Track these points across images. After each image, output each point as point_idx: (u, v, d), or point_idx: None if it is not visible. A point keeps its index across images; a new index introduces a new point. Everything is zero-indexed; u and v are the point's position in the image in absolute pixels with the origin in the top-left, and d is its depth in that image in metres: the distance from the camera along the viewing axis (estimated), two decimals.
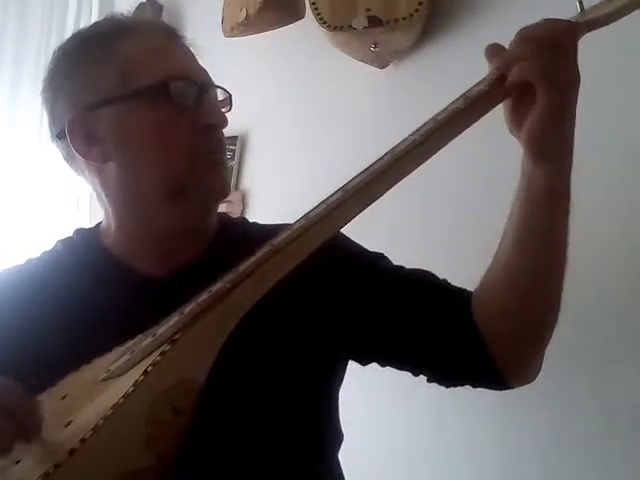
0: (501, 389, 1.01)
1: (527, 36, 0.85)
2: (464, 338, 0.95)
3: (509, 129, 0.90)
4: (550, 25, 0.86)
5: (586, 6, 0.90)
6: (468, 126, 0.87)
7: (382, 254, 1.06)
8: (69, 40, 1.01)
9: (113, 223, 0.99)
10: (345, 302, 0.99)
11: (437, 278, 1.03)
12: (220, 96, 1.01)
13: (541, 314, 0.94)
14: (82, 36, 1.00)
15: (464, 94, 0.87)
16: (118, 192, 0.96)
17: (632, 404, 1.23)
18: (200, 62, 1.00)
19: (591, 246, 1.28)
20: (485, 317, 0.95)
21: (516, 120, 0.88)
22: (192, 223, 0.97)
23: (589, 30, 0.89)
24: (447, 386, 1.02)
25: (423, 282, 1.01)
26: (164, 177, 0.93)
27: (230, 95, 1.02)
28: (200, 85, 0.95)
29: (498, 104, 0.88)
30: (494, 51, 0.89)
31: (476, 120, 0.87)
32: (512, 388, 1.01)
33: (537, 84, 0.83)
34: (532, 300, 0.93)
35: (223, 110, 1.00)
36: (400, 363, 1.02)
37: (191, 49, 1.00)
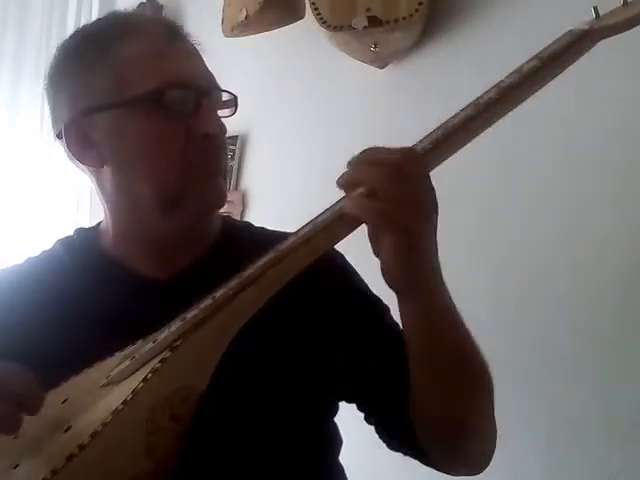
0: (444, 472, 0.99)
1: (368, 161, 0.76)
2: (404, 422, 0.93)
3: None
4: (392, 152, 0.76)
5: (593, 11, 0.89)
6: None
7: (385, 306, 1.02)
8: (71, 37, 1.00)
9: (111, 224, 0.98)
10: (332, 330, 0.97)
11: None
12: (225, 97, 0.99)
13: (456, 421, 0.90)
14: (83, 35, 0.99)
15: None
16: (114, 196, 0.96)
17: (632, 405, 1.23)
18: (205, 61, 0.98)
19: (591, 247, 1.28)
20: (413, 415, 0.93)
21: (375, 249, 0.80)
22: (188, 231, 0.96)
23: (604, 37, 0.87)
24: (388, 447, 1.00)
25: (399, 349, 0.93)
26: (156, 187, 0.92)
27: (235, 97, 1.00)
28: (199, 91, 0.93)
29: (346, 235, 0.80)
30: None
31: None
32: (453, 475, 1.00)
33: (377, 226, 0.76)
34: (441, 409, 0.89)
35: (227, 112, 0.98)
36: (357, 407, 1.01)
37: (196, 47, 0.97)
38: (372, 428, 1.00)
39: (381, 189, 0.73)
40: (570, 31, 0.87)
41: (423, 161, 0.76)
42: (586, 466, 1.28)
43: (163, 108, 0.90)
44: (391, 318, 1.00)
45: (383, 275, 0.79)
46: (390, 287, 0.81)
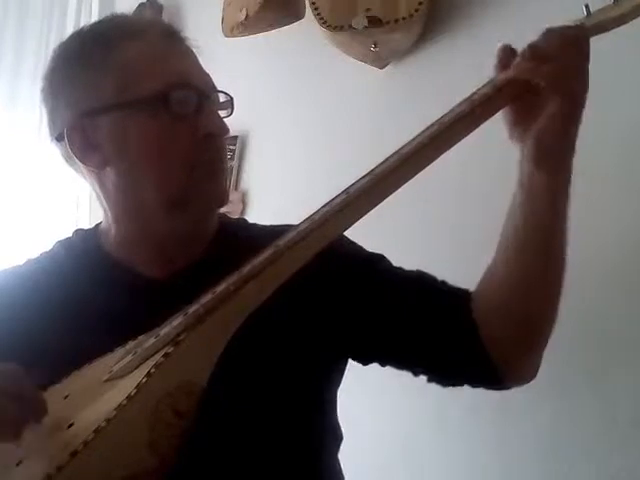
0: (498, 388, 1.01)
1: (552, 33, 0.87)
2: (461, 336, 0.96)
3: (509, 134, 0.90)
4: (571, 29, 0.88)
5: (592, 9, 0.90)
6: (473, 130, 0.87)
7: (381, 255, 1.06)
8: (69, 40, 1.00)
9: (112, 225, 0.99)
10: (345, 302, 0.99)
11: (435, 278, 1.03)
12: (222, 98, 1.00)
13: (540, 315, 0.95)
14: (82, 38, 0.99)
15: (469, 97, 0.88)
16: (117, 197, 0.96)
17: (633, 404, 1.23)
18: (202, 63, 0.99)
19: (593, 244, 1.28)
20: (485, 315, 0.96)
21: (520, 125, 0.88)
22: (190, 230, 0.97)
23: (595, 34, 0.89)
24: (445, 385, 1.03)
25: (421, 282, 1.01)
26: (162, 188, 0.93)
27: (232, 98, 1.01)
28: (200, 92, 0.94)
29: (503, 107, 0.88)
30: (506, 53, 0.89)
31: (481, 123, 0.87)
32: (509, 388, 1.01)
33: (554, 88, 0.84)
34: (531, 299, 0.94)
35: (224, 113, 0.99)
36: (399, 362, 1.02)
37: (193, 50, 0.99)
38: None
39: (562, 58, 0.84)
40: None
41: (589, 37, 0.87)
42: (586, 466, 1.28)
43: (167, 109, 0.91)
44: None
45: (538, 142, 0.86)
46: (537, 154, 0.87)
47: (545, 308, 0.95)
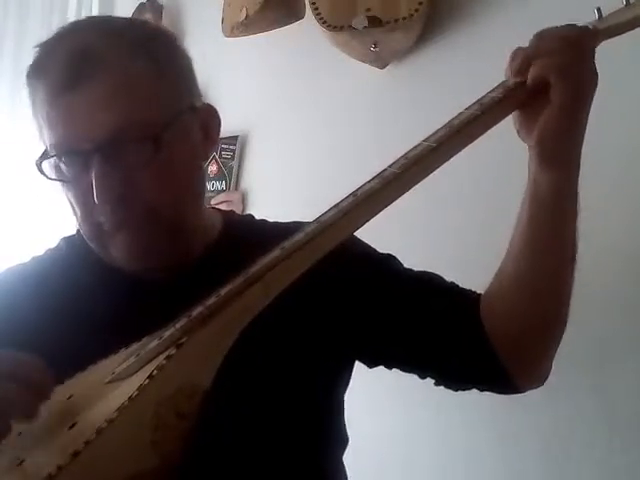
0: (508, 393, 1.01)
1: (548, 33, 0.85)
2: (471, 340, 0.95)
3: (518, 133, 0.89)
4: (570, 27, 0.86)
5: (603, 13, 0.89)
6: (482, 133, 0.86)
7: (391, 255, 1.06)
8: None
9: None
10: (353, 304, 0.99)
11: (444, 280, 1.03)
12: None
13: (551, 316, 0.95)
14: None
15: (479, 100, 0.87)
16: None
17: (633, 404, 1.23)
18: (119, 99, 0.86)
19: (592, 245, 1.28)
20: (494, 319, 0.95)
21: (527, 123, 0.87)
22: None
23: (606, 38, 0.88)
24: (454, 389, 1.02)
25: (430, 284, 1.01)
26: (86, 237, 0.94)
27: (156, 137, 0.87)
28: (86, 154, 0.86)
29: (513, 111, 0.88)
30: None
31: (490, 127, 0.86)
32: (520, 392, 1.00)
33: (554, 81, 0.82)
34: (542, 302, 0.93)
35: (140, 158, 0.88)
36: (406, 365, 1.02)
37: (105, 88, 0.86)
38: None
39: (559, 51, 0.82)
40: None
41: (594, 35, 0.86)
42: (586, 467, 1.29)
43: (58, 173, 0.91)
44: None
45: (540, 138, 0.85)
46: (540, 153, 0.86)
47: (557, 308, 0.95)
